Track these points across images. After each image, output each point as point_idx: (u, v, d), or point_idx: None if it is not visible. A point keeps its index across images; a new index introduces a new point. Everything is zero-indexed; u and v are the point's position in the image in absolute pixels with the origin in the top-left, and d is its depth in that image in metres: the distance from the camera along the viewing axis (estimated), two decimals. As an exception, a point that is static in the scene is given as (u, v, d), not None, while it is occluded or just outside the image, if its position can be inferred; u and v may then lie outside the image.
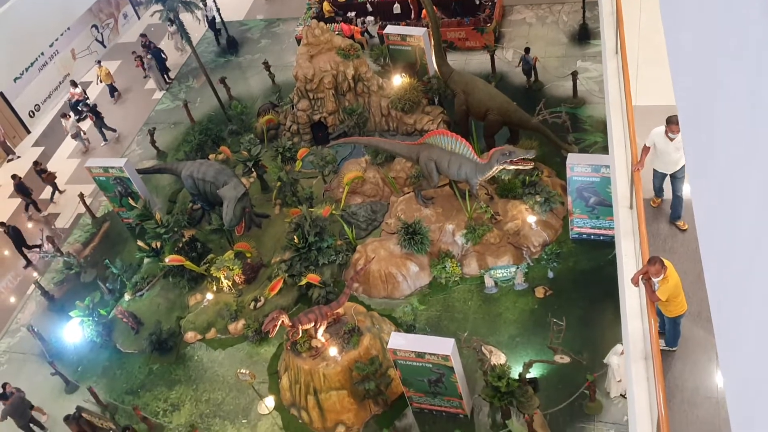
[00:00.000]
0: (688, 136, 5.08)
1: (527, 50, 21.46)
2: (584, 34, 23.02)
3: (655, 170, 10.50)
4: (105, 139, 24.67)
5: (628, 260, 9.96)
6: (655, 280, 8.27)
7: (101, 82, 26.48)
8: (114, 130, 24.79)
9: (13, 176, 22.55)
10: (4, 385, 16.56)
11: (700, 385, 8.54)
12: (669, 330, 8.87)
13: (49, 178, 22.78)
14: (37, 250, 21.32)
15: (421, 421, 14.93)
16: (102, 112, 24.84)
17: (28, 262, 21.33)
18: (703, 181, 4.71)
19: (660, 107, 11.59)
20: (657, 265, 8.17)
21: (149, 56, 25.97)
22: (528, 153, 16.26)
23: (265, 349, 16.97)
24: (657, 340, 8.03)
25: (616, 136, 11.49)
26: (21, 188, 22.26)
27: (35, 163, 23.25)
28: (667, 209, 10.65)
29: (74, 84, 25.90)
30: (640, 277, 8.40)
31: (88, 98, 25.92)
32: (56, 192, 23.09)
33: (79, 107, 25.54)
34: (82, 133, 24.37)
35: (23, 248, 21.21)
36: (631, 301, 9.26)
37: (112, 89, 26.35)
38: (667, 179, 10.49)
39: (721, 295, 4.47)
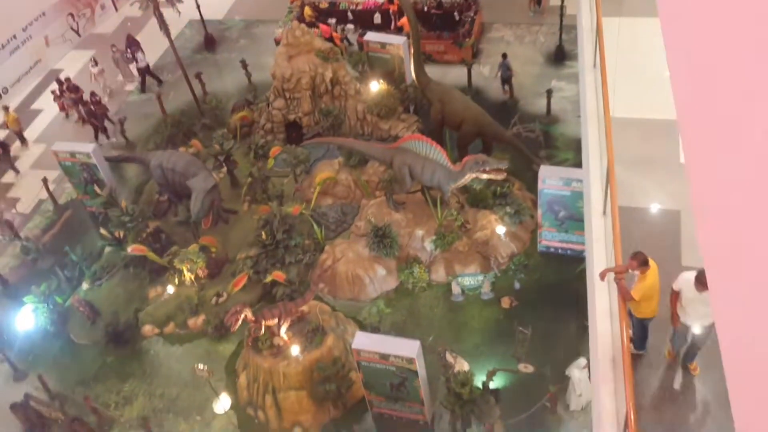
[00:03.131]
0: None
1: (504, 56, 21.55)
2: (560, 55, 23.30)
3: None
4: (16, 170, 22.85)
5: (599, 265, 9.97)
6: (633, 272, 8.24)
7: (8, 127, 23.56)
8: (17, 171, 22.88)
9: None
10: None
11: (667, 388, 8.56)
12: (636, 332, 8.83)
13: (101, 109, 22.78)
14: None
15: (380, 426, 14.74)
16: (10, 146, 23.02)
17: None
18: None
19: (634, 120, 11.89)
20: (640, 258, 8.14)
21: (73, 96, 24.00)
22: (501, 163, 16.34)
23: (224, 347, 16.60)
24: (628, 341, 8.04)
25: (591, 144, 11.60)
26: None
27: (92, 95, 23.06)
28: None
29: None
30: (613, 275, 8.39)
31: None
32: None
33: None
34: None
35: None
36: (601, 301, 9.25)
37: (21, 137, 23.59)
38: None
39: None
